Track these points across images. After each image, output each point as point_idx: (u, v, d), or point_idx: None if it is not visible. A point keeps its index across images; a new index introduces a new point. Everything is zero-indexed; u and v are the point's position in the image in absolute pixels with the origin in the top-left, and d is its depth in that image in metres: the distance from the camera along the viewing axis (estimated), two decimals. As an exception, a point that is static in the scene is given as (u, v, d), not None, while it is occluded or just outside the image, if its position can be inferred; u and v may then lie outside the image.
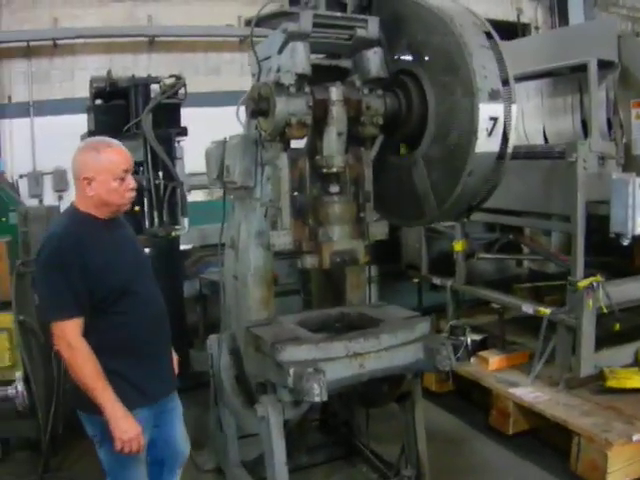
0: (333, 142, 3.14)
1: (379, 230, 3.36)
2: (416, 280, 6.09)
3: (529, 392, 4.35)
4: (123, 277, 2.66)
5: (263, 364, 3.08)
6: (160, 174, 4.88)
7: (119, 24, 8.63)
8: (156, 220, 4.93)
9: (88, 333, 2.55)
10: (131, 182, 2.68)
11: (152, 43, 8.92)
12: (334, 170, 3.15)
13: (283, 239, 3.13)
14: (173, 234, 5.02)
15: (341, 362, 2.95)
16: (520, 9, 11.12)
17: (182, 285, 5.51)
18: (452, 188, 3.10)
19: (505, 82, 3.01)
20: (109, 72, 5.13)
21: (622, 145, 4.18)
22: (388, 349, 3.07)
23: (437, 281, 5.73)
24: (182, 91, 5.05)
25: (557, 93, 4.80)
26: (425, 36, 3.15)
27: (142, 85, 4.94)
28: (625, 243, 3.88)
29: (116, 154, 2.65)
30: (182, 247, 5.51)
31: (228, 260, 3.74)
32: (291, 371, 2.80)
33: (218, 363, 3.69)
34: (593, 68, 4.02)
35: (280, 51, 3.05)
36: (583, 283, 4.04)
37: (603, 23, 4.30)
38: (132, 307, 2.66)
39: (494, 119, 2.95)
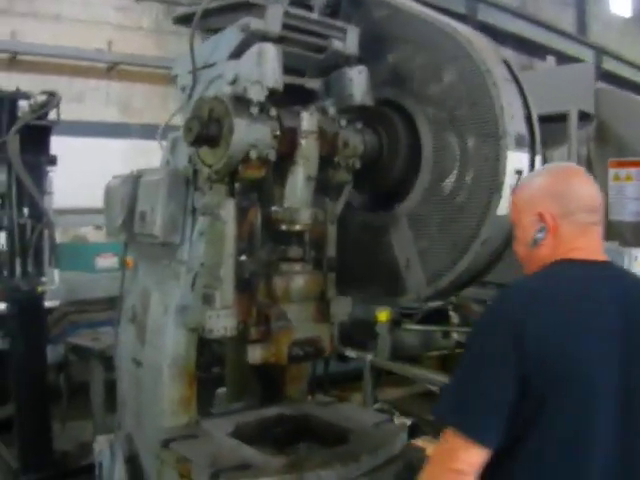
0: (300, 189, 2.26)
1: (341, 309, 2.47)
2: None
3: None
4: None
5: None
6: (26, 211, 3.71)
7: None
8: (18, 270, 3.73)
9: None
10: None
11: (13, 60, 7.66)
12: (297, 228, 2.28)
13: (224, 322, 2.18)
14: (40, 289, 3.83)
15: (311, 502, 2.05)
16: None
17: (45, 351, 4.31)
18: (455, 259, 2.33)
19: (529, 125, 2.32)
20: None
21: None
22: (368, 474, 2.20)
23: (352, 354, 4.93)
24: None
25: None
26: (424, 59, 2.40)
27: (8, 100, 3.84)
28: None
29: None
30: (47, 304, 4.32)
31: (126, 338, 2.72)
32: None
33: (111, 476, 2.66)
34: (574, 119, 3.47)
35: (236, 55, 2.15)
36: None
37: (581, 71, 3.80)
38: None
39: (519, 172, 2.24)
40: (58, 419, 4.71)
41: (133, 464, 2.61)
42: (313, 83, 2.46)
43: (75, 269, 5.27)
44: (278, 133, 2.12)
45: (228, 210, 2.18)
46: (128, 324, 2.71)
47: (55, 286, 4.08)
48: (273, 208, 2.28)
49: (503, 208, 2.20)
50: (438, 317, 5.06)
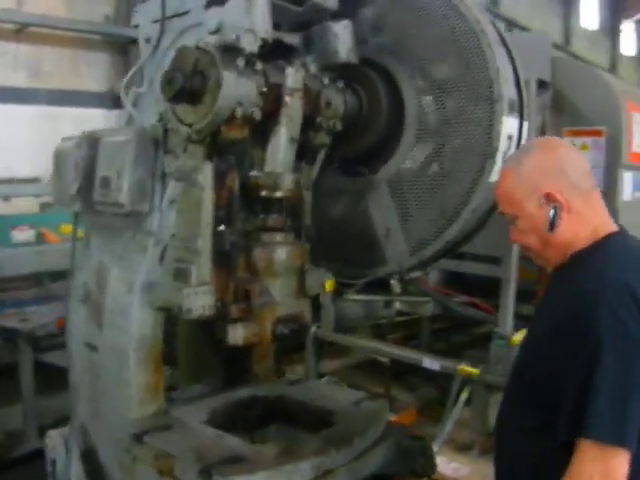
0: (283, 152, 2.08)
1: (315, 282, 2.31)
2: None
3: (443, 462, 3.62)
4: None
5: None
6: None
7: None
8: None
9: None
10: None
11: None
12: (279, 194, 2.09)
13: (202, 300, 1.98)
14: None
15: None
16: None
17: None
18: (442, 228, 2.23)
19: (518, 90, 2.24)
20: None
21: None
22: (359, 457, 2.08)
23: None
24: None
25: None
26: (408, 16, 2.25)
27: None
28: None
29: None
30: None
31: (77, 320, 2.45)
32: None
33: (66, 474, 2.43)
34: (533, 87, 3.43)
35: (214, 2, 1.92)
36: (517, 337, 3.42)
37: (537, 39, 3.77)
38: None
39: (510, 138, 2.16)
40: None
41: (89, 459, 2.37)
42: (291, 38, 2.26)
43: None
44: (264, 89, 1.92)
45: (206, 175, 1.97)
46: (79, 304, 2.43)
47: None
48: (252, 173, 2.08)
49: (494, 174, 2.12)
50: (378, 286, 4.96)
